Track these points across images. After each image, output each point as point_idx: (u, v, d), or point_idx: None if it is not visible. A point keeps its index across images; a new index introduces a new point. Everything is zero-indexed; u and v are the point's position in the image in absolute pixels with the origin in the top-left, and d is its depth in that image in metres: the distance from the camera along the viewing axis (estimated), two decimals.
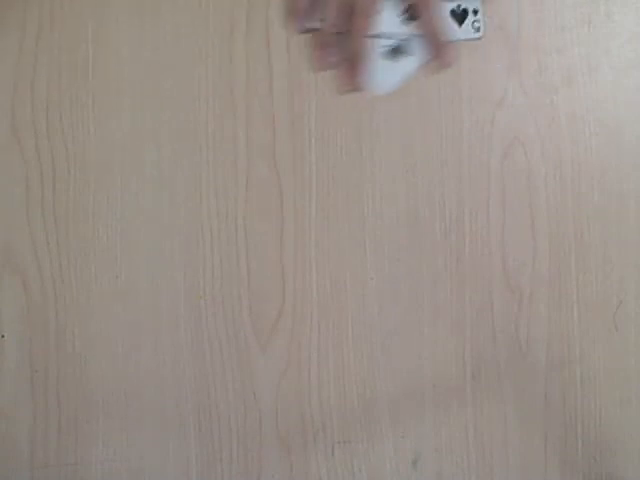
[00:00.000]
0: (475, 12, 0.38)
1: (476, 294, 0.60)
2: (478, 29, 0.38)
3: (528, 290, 0.60)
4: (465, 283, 0.60)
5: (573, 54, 0.61)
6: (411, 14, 0.37)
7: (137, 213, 0.59)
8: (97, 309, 0.58)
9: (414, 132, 0.60)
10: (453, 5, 0.38)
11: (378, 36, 0.38)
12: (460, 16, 0.38)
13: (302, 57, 0.60)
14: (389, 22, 0.37)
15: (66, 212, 0.59)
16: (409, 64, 0.39)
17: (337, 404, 0.59)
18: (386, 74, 0.39)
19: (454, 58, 0.37)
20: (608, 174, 0.61)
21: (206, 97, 0.60)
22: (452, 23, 0.38)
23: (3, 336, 0.58)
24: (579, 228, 0.60)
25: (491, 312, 0.60)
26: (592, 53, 0.61)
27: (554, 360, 0.60)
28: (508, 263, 0.60)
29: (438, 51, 0.37)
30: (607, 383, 0.60)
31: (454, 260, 0.60)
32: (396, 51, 0.39)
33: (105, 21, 0.59)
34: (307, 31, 0.38)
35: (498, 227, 0.60)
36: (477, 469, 0.60)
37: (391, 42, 0.38)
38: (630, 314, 0.60)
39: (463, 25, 0.38)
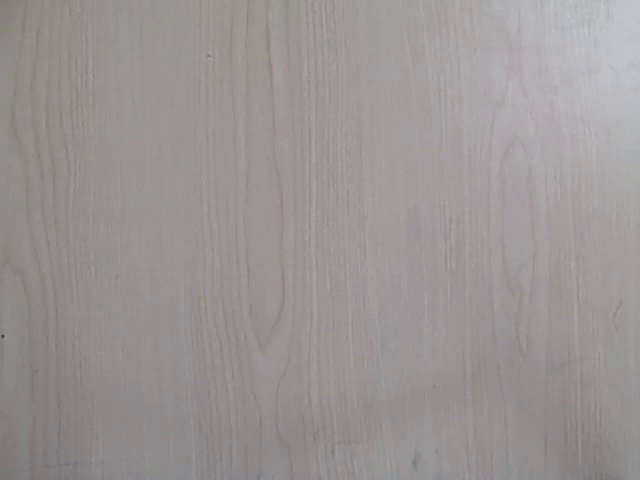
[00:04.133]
0: None
1: (476, 294, 0.60)
2: None
3: (528, 290, 0.60)
4: (465, 283, 0.60)
5: (573, 54, 0.61)
6: None
7: (137, 213, 0.59)
8: (97, 309, 0.58)
9: (414, 132, 0.60)
10: None
11: None
12: None
13: (302, 57, 0.60)
14: None
15: (66, 212, 0.59)
16: None
17: (337, 404, 0.59)
18: None
19: None
20: (608, 174, 0.61)
21: (206, 97, 0.60)
22: None
23: (3, 336, 0.58)
24: (579, 228, 0.60)
25: (491, 312, 0.60)
26: (592, 53, 0.61)
27: (554, 360, 0.60)
28: (508, 263, 0.60)
29: None
30: (607, 383, 0.60)
31: (454, 260, 0.60)
32: None
33: (105, 21, 0.59)
34: None
35: (498, 227, 0.60)
36: (477, 469, 0.60)
37: None
38: (630, 314, 0.60)
39: None
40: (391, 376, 0.60)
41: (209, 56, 0.60)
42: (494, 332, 0.60)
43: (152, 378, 0.59)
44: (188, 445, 0.59)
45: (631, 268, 0.60)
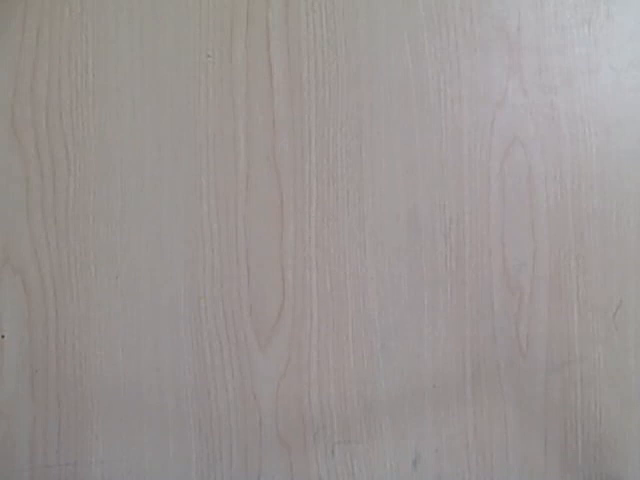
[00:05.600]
0: None
1: (476, 294, 0.60)
2: None
3: (528, 290, 0.60)
4: (465, 283, 0.60)
5: (573, 54, 0.61)
6: None
7: (137, 213, 0.59)
8: (97, 309, 0.58)
9: (414, 132, 0.60)
10: None
11: None
12: None
13: (302, 57, 0.60)
14: None
15: (66, 212, 0.59)
16: None
17: (337, 404, 0.59)
18: None
19: None
20: (608, 174, 0.61)
21: (206, 97, 0.60)
22: None
23: (3, 336, 0.58)
24: (579, 228, 0.60)
25: (491, 312, 0.60)
26: (592, 53, 0.61)
27: (554, 360, 0.60)
28: (508, 263, 0.60)
29: None
30: (607, 383, 0.60)
31: (454, 260, 0.60)
32: None
33: (105, 21, 0.59)
34: None
35: (498, 227, 0.60)
36: (477, 469, 0.60)
37: None
38: (630, 314, 0.60)
39: None
40: (391, 376, 0.60)
41: (209, 56, 0.60)
42: (494, 332, 0.60)
43: (152, 378, 0.59)
44: (188, 445, 0.59)
45: (631, 268, 0.60)
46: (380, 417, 0.60)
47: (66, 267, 0.58)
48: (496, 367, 0.60)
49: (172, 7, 0.60)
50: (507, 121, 0.61)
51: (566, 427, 0.60)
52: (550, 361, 0.60)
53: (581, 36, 0.61)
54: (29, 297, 0.58)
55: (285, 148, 0.60)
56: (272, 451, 0.59)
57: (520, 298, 0.60)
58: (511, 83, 0.61)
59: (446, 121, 0.60)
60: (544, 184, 0.61)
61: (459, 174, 0.60)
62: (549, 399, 0.60)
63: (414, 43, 0.60)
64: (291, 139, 0.60)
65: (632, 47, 0.61)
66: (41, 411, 0.58)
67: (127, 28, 0.59)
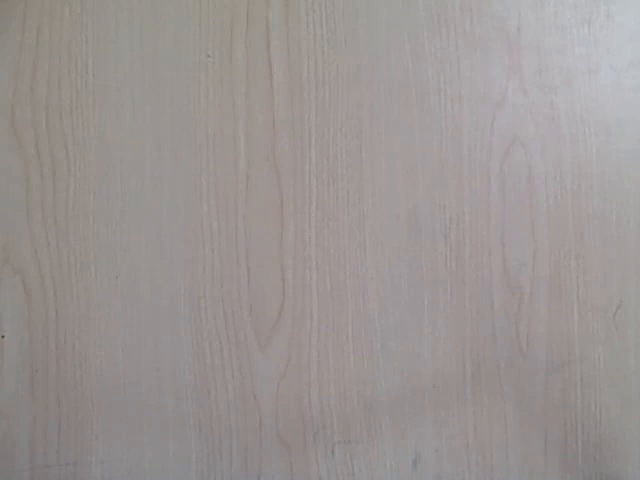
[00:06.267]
0: None
1: (476, 294, 0.60)
2: None
3: (528, 290, 0.60)
4: (465, 283, 0.60)
5: (573, 54, 0.61)
6: None
7: (137, 213, 0.59)
8: (97, 309, 0.58)
9: (414, 132, 0.60)
10: None
11: None
12: None
13: (302, 57, 0.60)
14: None
15: (66, 212, 0.59)
16: None
17: (337, 404, 0.59)
18: None
19: None
20: (608, 174, 0.61)
21: (206, 97, 0.60)
22: None
23: (3, 336, 0.58)
24: (579, 228, 0.60)
25: (491, 312, 0.60)
26: (592, 53, 0.61)
27: (554, 360, 0.60)
28: (508, 263, 0.60)
29: None
30: (607, 383, 0.60)
31: (454, 260, 0.60)
32: None
33: (105, 21, 0.59)
34: None
35: (498, 227, 0.60)
36: (477, 469, 0.60)
37: None
38: (630, 314, 0.60)
39: None
40: (391, 376, 0.60)
41: (209, 56, 0.60)
42: (494, 332, 0.60)
43: (152, 378, 0.59)
44: (188, 445, 0.59)
45: (631, 268, 0.60)
46: (380, 417, 0.60)
47: (66, 267, 0.58)
48: (496, 367, 0.60)
49: (172, 7, 0.60)
50: (507, 121, 0.61)
51: (566, 427, 0.60)
52: (550, 361, 0.60)
53: (581, 36, 0.61)
54: (29, 297, 0.58)
55: (285, 148, 0.60)
56: (272, 451, 0.59)
57: (520, 298, 0.60)
58: (511, 83, 0.61)
59: (446, 121, 0.60)
60: (544, 184, 0.61)
61: (459, 174, 0.60)
62: (549, 399, 0.60)
63: (414, 43, 0.60)
64: (291, 139, 0.60)
65: (632, 47, 0.61)
66: (41, 411, 0.58)
67: (127, 28, 0.59)
